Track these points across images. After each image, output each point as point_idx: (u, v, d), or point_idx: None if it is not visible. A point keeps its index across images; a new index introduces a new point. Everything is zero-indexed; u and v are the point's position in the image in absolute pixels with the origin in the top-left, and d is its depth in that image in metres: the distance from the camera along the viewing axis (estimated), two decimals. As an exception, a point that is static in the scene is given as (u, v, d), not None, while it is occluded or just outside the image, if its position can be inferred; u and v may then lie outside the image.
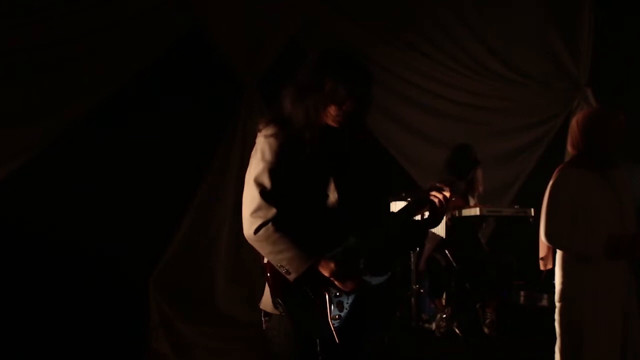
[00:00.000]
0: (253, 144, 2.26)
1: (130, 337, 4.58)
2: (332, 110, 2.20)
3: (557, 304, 3.14)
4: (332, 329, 2.13)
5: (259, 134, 2.23)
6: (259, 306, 2.29)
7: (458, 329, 4.89)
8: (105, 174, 4.60)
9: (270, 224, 2.13)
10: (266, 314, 2.26)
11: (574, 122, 3.23)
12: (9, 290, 4.25)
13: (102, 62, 4.62)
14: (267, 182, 2.16)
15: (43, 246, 4.35)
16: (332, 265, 2.13)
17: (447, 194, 2.33)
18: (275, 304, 2.14)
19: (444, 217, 4.74)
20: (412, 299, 5.11)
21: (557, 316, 3.13)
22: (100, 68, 4.62)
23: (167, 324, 4.75)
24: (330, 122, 2.23)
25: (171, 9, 4.87)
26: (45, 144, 4.46)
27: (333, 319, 2.14)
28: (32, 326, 4.29)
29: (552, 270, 3.24)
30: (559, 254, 3.16)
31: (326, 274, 2.13)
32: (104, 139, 4.61)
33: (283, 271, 2.12)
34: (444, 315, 5.01)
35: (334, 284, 2.14)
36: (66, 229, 4.39)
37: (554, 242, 3.10)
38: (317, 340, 2.13)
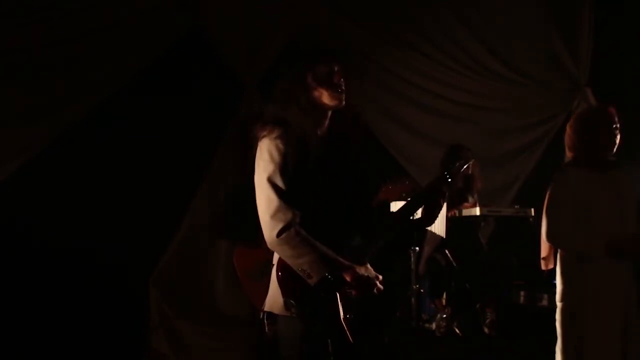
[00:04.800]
0: (252, 145, 2.25)
1: (130, 337, 4.58)
2: (325, 94, 2.23)
3: (558, 304, 3.14)
4: (345, 328, 2.13)
5: (263, 138, 2.21)
6: (263, 309, 2.26)
7: (458, 329, 4.89)
8: (105, 174, 4.60)
9: (292, 228, 2.11)
10: (270, 316, 2.23)
11: (567, 127, 3.25)
12: (9, 291, 4.25)
13: (102, 62, 4.62)
14: (280, 183, 2.14)
15: (43, 246, 4.35)
16: (352, 269, 2.13)
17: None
18: (287, 305, 2.13)
19: (444, 216, 4.77)
20: (412, 299, 5.11)
21: (558, 316, 3.13)
22: (100, 68, 4.63)
23: (167, 324, 4.75)
24: (330, 103, 2.24)
25: (171, 9, 4.87)
26: (45, 144, 4.46)
27: (345, 318, 2.14)
28: (33, 326, 4.29)
29: (553, 270, 3.24)
30: (560, 253, 3.16)
31: (347, 277, 2.13)
32: (104, 139, 4.61)
33: (304, 275, 2.12)
34: (444, 315, 5.01)
35: (350, 287, 2.13)
36: (66, 229, 4.38)
37: (556, 241, 3.11)
38: (329, 341, 2.12)
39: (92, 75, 4.61)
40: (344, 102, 2.26)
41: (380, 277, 2.19)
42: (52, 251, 4.37)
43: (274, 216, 2.13)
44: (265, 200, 2.15)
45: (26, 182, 4.39)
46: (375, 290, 2.15)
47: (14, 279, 4.27)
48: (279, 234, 2.11)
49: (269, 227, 2.14)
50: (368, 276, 2.16)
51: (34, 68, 4.41)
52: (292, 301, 2.12)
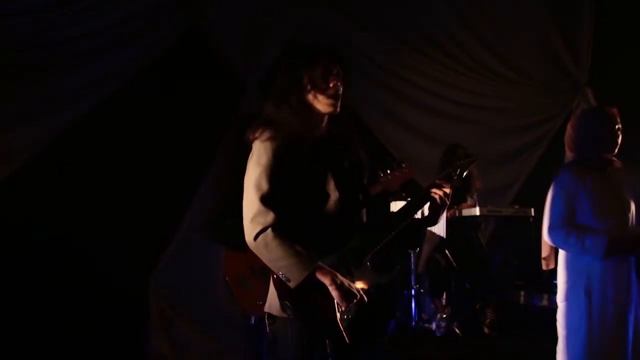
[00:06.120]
0: (247, 146, 2.25)
1: (130, 337, 4.58)
2: (319, 98, 2.21)
3: (560, 304, 3.14)
4: (342, 329, 2.12)
5: (255, 140, 2.20)
6: (263, 309, 2.26)
7: (458, 329, 4.89)
8: (105, 174, 4.60)
9: (269, 230, 2.10)
10: (270, 316, 2.23)
11: (569, 126, 3.25)
12: (8, 291, 4.25)
13: (101, 62, 4.62)
14: (264, 186, 2.13)
15: (42, 246, 4.35)
16: (332, 275, 2.11)
17: (447, 190, 2.34)
18: (283, 306, 2.12)
19: (444, 216, 4.77)
20: (412, 299, 5.11)
21: (559, 316, 3.13)
22: (100, 68, 4.62)
23: (167, 324, 4.75)
24: (323, 109, 2.22)
25: (171, 9, 4.87)
26: (45, 144, 4.46)
27: (342, 319, 2.13)
28: (32, 326, 4.29)
29: (554, 270, 3.24)
30: (561, 253, 3.16)
31: (326, 282, 2.11)
32: (104, 139, 4.61)
33: (283, 278, 2.11)
34: (444, 315, 5.01)
35: (332, 294, 2.11)
36: (66, 229, 4.38)
37: (557, 241, 3.10)
38: (327, 342, 2.11)
39: (91, 75, 4.60)
40: (338, 109, 2.23)
41: (362, 292, 2.14)
42: (51, 251, 4.36)
43: (253, 219, 2.12)
44: (248, 203, 2.15)
45: (26, 182, 4.39)
46: (354, 303, 2.12)
47: (13, 278, 4.27)
48: (256, 237, 2.11)
49: (248, 230, 2.14)
50: (347, 284, 2.12)
51: (34, 68, 4.41)
52: (287, 303, 2.11)
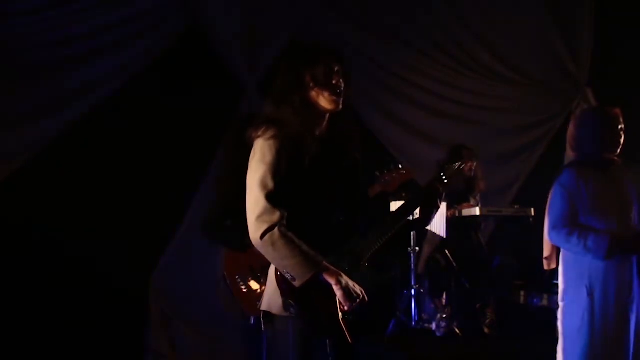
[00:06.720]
0: (248, 145, 2.24)
1: (130, 337, 4.58)
2: (323, 95, 2.21)
3: (561, 304, 3.14)
4: (344, 329, 2.13)
5: (257, 139, 2.20)
6: (260, 308, 2.26)
7: (458, 329, 4.89)
8: (105, 174, 4.60)
9: (275, 229, 2.10)
10: (267, 315, 2.23)
11: (571, 126, 3.25)
12: (9, 291, 4.25)
13: (101, 62, 4.62)
14: (270, 184, 2.13)
15: (42, 246, 4.35)
16: (337, 275, 2.13)
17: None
18: (286, 305, 2.12)
19: (445, 216, 4.77)
20: (412, 299, 5.11)
21: (560, 316, 3.13)
22: (100, 68, 4.63)
23: (167, 324, 4.75)
24: (327, 106, 2.23)
25: (171, 9, 4.87)
26: (45, 144, 4.46)
27: (344, 319, 2.14)
28: (33, 326, 4.29)
29: (555, 270, 3.24)
30: (563, 253, 3.16)
31: (331, 282, 2.12)
32: (104, 139, 4.61)
33: (289, 277, 2.11)
34: (444, 315, 5.01)
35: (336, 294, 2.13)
36: (66, 229, 4.38)
37: (558, 241, 3.10)
38: (328, 341, 2.12)
39: (91, 75, 4.61)
40: (341, 106, 2.24)
41: (364, 293, 2.16)
42: (51, 251, 4.36)
43: (259, 218, 2.12)
44: (253, 201, 2.14)
45: (26, 182, 4.39)
46: (356, 303, 2.13)
47: (13, 278, 4.27)
48: (262, 236, 2.10)
49: (253, 229, 2.13)
50: (351, 284, 2.14)
51: (34, 68, 4.41)
52: (291, 301, 2.11)
